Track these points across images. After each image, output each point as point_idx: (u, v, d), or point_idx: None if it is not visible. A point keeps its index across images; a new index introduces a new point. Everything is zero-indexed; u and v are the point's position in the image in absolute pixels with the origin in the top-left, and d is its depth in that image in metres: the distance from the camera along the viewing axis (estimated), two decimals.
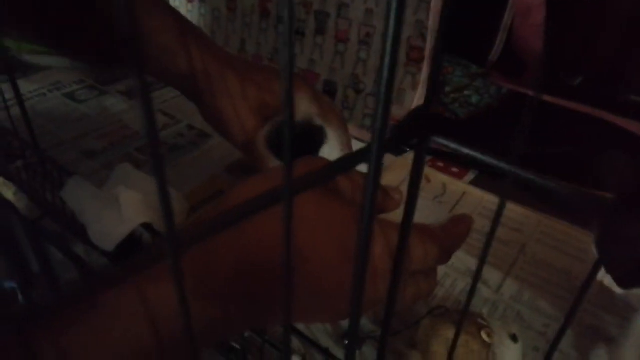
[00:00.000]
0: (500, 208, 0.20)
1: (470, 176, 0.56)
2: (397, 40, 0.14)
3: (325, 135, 0.40)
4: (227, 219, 0.13)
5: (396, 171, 0.55)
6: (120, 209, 0.37)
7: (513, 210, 0.51)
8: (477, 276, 0.22)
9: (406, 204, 0.19)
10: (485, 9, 0.73)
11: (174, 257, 0.11)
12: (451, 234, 0.29)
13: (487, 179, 0.55)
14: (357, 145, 0.60)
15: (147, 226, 0.37)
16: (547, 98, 0.70)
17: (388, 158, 0.58)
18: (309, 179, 0.14)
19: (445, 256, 0.28)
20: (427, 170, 0.56)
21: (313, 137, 0.40)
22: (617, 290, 0.34)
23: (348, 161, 0.15)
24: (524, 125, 0.18)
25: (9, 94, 0.46)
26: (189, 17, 0.79)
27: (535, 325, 0.39)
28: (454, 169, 0.56)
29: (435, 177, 0.55)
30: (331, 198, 0.26)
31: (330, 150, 0.40)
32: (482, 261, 0.22)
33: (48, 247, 0.55)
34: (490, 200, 0.52)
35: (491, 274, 0.43)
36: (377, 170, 0.16)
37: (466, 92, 0.73)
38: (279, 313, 0.25)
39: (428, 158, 0.59)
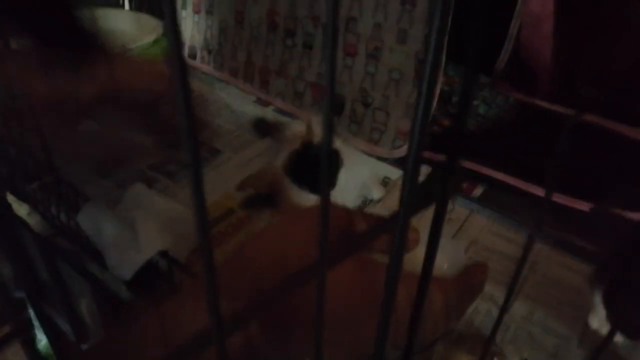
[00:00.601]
0: (529, 244, 0.20)
1: (480, 190, 0.56)
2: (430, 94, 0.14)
3: (341, 159, 0.41)
4: (265, 299, 0.13)
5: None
6: (137, 236, 0.38)
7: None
8: (503, 307, 0.22)
9: (429, 240, 0.19)
10: (492, 18, 0.73)
11: (219, 345, 0.12)
12: (469, 283, 0.29)
13: (496, 193, 0.55)
14: (366, 159, 0.60)
15: (163, 252, 0.38)
16: (557, 108, 0.70)
17: (396, 173, 0.58)
18: (340, 251, 0.15)
19: (465, 304, 0.29)
20: None
21: (330, 158, 0.41)
22: (619, 339, 0.34)
23: (378, 229, 0.16)
24: (560, 150, 0.18)
25: None
26: (195, 28, 0.79)
27: (547, 346, 0.39)
28: (463, 184, 0.57)
29: None
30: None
31: (347, 174, 0.41)
32: (509, 295, 0.22)
33: (61, 264, 0.56)
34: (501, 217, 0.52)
35: (501, 293, 0.44)
36: (402, 237, 0.16)
37: (473, 102, 0.73)
38: (296, 344, 0.26)
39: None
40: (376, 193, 0.53)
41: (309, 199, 0.40)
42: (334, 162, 0.41)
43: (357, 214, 0.30)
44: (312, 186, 0.39)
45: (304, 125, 0.44)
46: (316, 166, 0.43)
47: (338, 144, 0.42)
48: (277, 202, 0.40)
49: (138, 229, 0.38)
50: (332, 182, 0.41)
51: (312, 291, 0.24)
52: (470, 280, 0.30)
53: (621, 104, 0.69)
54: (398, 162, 0.60)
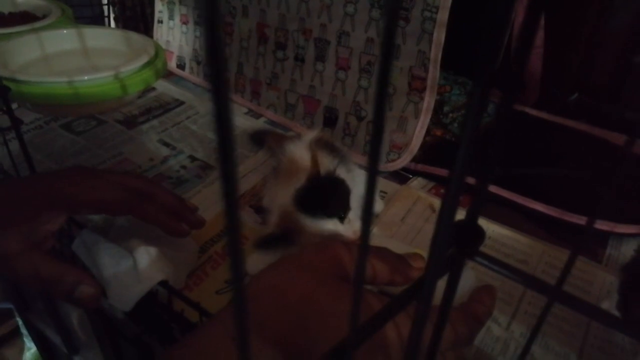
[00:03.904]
0: (548, 305, 0.20)
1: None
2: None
3: (347, 185, 0.41)
4: None
5: (400, 201, 0.55)
6: (136, 266, 0.37)
7: (518, 240, 0.51)
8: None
9: (441, 307, 0.19)
10: (482, 25, 0.73)
11: None
12: (477, 311, 0.29)
13: (491, 206, 0.56)
14: (361, 173, 0.60)
15: (162, 281, 0.37)
16: (544, 116, 0.71)
17: (392, 187, 0.58)
18: (370, 325, 0.15)
19: (473, 333, 0.29)
20: (432, 199, 0.56)
21: (340, 185, 0.40)
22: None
23: (405, 298, 0.16)
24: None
25: (4, 125, 0.45)
26: (183, 38, 0.78)
27: None
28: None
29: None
30: (343, 286, 0.27)
31: (354, 211, 0.41)
32: (529, 342, 0.21)
33: None
34: (495, 229, 0.53)
35: (501, 310, 0.44)
36: (427, 304, 0.16)
37: (464, 112, 0.73)
38: None
39: (432, 185, 0.59)
40: (376, 207, 0.53)
41: (325, 226, 0.39)
42: (344, 190, 0.41)
43: (356, 250, 0.30)
44: (326, 212, 0.39)
45: (301, 150, 0.44)
46: (327, 194, 0.42)
47: (340, 172, 0.42)
48: (292, 239, 0.40)
49: (137, 259, 0.37)
50: (347, 207, 0.40)
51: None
52: (478, 307, 0.30)
53: (607, 110, 0.70)
54: (392, 175, 0.60)
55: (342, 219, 0.40)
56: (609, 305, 0.42)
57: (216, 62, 0.08)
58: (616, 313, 0.40)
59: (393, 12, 0.09)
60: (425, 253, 0.36)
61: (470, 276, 0.37)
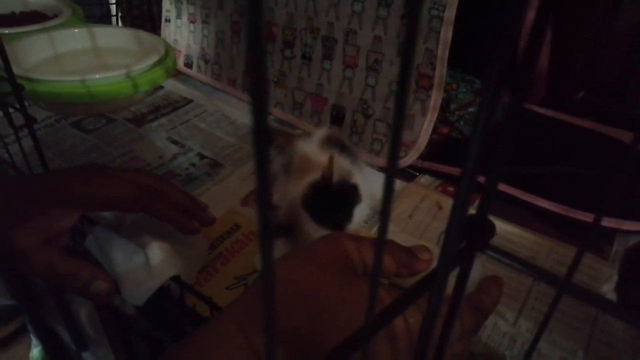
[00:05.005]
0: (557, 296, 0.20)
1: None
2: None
3: (359, 194, 0.41)
4: None
5: (408, 199, 0.56)
6: (148, 262, 0.38)
7: (525, 237, 0.52)
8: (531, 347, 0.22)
9: (451, 299, 0.19)
10: (488, 23, 0.73)
11: None
12: (483, 302, 0.29)
13: (498, 203, 0.56)
14: (369, 171, 0.61)
15: (174, 276, 0.38)
16: (551, 113, 0.71)
17: (399, 185, 0.59)
18: (382, 317, 0.15)
19: (479, 323, 0.29)
20: (438, 197, 0.57)
21: (349, 195, 0.41)
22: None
23: (416, 291, 0.16)
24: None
25: (17, 122, 0.46)
26: (191, 37, 0.79)
27: (554, 359, 0.40)
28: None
29: (447, 204, 0.56)
30: (351, 278, 0.27)
31: (362, 210, 0.41)
32: (537, 336, 0.22)
33: None
34: (502, 227, 0.53)
35: (508, 306, 0.44)
36: (438, 297, 0.16)
37: (471, 109, 0.73)
38: None
39: (438, 182, 0.60)
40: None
41: (324, 232, 0.40)
42: (353, 199, 0.41)
43: (363, 242, 0.30)
44: (331, 223, 0.39)
45: (313, 147, 0.44)
46: (335, 206, 0.42)
47: (357, 177, 0.42)
48: (294, 232, 0.40)
49: (150, 255, 0.38)
50: (349, 218, 0.41)
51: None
52: (485, 298, 0.30)
53: (613, 108, 0.70)
54: (399, 173, 0.61)
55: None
56: (609, 288, 0.43)
57: (258, 77, 0.09)
58: (614, 294, 0.40)
59: (414, 15, 0.10)
60: (431, 245, 0.37)
61: (478, 268, 0.37)
